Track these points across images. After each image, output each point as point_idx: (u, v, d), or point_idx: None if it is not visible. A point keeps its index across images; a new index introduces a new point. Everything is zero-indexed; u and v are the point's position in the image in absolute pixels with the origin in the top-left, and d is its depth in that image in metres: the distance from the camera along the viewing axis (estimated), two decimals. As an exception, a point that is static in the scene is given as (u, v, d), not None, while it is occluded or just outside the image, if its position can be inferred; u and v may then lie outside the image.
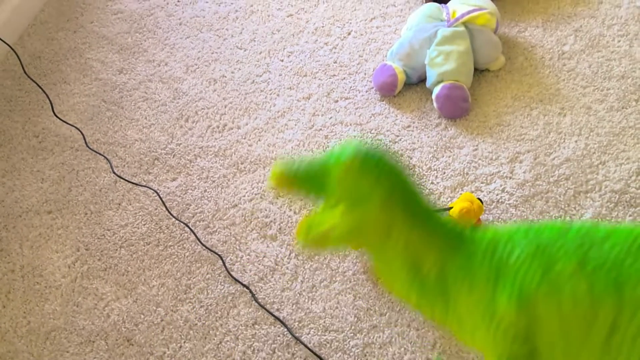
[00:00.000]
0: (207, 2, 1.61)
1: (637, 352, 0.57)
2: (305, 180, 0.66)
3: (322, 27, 1.51)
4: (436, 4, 1.39)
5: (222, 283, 1.09)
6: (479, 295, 0.63)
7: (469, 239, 0.67)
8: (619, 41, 1.38)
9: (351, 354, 0.99)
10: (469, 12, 1.31)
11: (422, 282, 0.67)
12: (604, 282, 0.58)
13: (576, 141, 1.21)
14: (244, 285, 1.07)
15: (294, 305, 1.04)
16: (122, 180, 1.24)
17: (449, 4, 1.38)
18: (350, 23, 1.50)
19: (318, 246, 0.68)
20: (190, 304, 1.07)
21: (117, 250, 1.15)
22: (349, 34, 1.48)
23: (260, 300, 1.05)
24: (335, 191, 0.65)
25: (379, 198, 0.63)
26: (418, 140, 1.25)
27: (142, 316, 1.06)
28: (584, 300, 0.58)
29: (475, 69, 1.32)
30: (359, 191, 0.63)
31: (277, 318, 1.03)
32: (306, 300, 1.05)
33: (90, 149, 1.30)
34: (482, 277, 0.63)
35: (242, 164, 1.25)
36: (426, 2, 1.48)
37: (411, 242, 0.65)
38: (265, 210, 1.17)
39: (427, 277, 0.66)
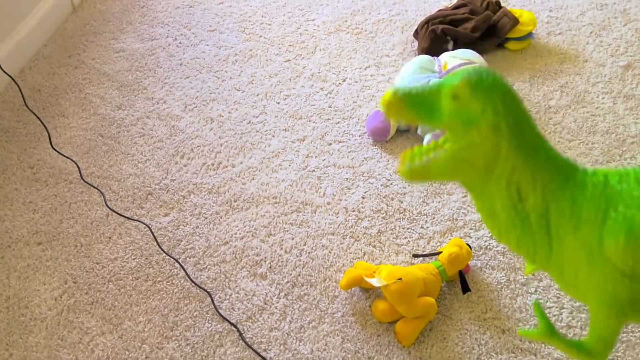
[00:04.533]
0: (207, 45, 1.66)
1: None
2: (416, 104, 0.63)
3: (319, 73, 1.56)
4: (428, 56, 1.45)
5: (210, 321, 1.08)
6: (585, 233, 0.59)
7: (579, 172, 0.63)
8: (603, 98, 1.44)
9: (337, 397, 0.98)
10: (459, 65, 1.37)
11: (524, 221, 0.63)
12: None
13: (562, 192, 1.24)
14: (232, 324, 1.07)
15: (282, 346, 1.04)
16: (114, 213, 1.25)
17: (440, 56, 1.44)
18: (346, 70, 1.56)
19: (420, 176, 0.65)
20: (176, 342, 1.05)
21: (105, 284, 1.14)
22: (344, 80, 1.53)
23: (247, 340, 1.05)
24: (445, 114, 0.61)
25: (489, 119, 0.59)
26: (409, 185, 1.27)
27: (127, 352, 1.04)
28: None
29: (465, 119, 1.37)
30: (469, 112, 0.60)
31: (264, 358, 1.02)
32: (294, 340, 1.04)
33: (84, 181, 1.31)
34: (590, 212, 0.59)
35: (235, 201, 1.27)
36: (419, 54, 1.55)
37: (517, 173, 0.61)
38: (256, 248, 1.18)
39: (531, 216, 0.62)
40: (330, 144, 1.37)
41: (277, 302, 1.10)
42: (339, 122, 1.42)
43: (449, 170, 0.64)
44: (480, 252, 1.15)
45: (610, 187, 0.61)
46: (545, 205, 0.62)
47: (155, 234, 1.20)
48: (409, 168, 0.66)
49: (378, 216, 1.22)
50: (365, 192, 1.27)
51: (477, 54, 1.43)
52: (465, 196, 1.25)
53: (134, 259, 1.17)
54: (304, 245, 1.18)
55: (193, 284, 1.13)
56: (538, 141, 0.64)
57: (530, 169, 0.61)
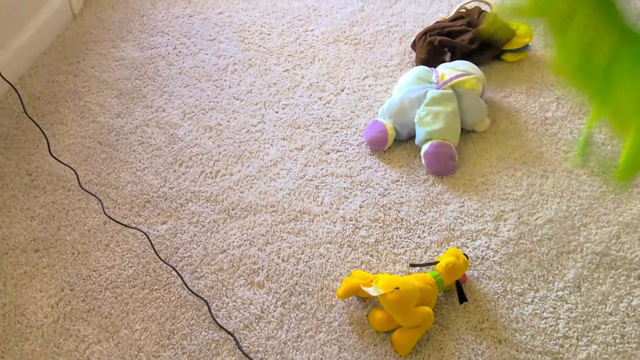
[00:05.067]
0: (207, 54, 1.67)
1: None
2: None
3: (317, 82, 1.57)
4: (426, 67, 1.46)
5: (207, 329, 1.08)
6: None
7: None
8: (598, 110, 1.45)
9: (334, 407, 0.97)
10: (457, 77, 1.38)
11: (589, 71, 0.69)
12: None
13: (558, 203, 1.25)
14: (229, 333, 1.07)
15: (279, 355, 1.04)
16: (112, 221, 1.25)
17: (438, 67, 1.45)
18: (344, 80, 1.57)
19: (512, 14, 0.71)
20: (172, 350, 1.05)
21: (102, 291, 1.14)
22: (343, 90, 1.54)
23: (244, 349, 1.05)
24: None
25: None
26: (406, 195, 1.28)
27: (123, 360, 1.04)
28: None
29: (462, 130, 1.38)
30: None
31: (260, 367, 1.02)
32: (291, 350, 1.04)
33: (82, 189, 1.31)
34: None
35: (232, 210, 1.27)
36: (417, 65, 1.56)
37: (591, 27, 0.66)
38: (254, 257, 1.18)
39: (597, 65, 0.68)
40: (329, 153, 1.38)
41: (274, 311, 1.10)
42: (337, 132, 1.43)
43: (535, 11, 0.70)
44: (477, 262, 1.15)
45: None
46: (611, 59, 0.68)
47: (152, 242, 1.20)
48: (501, 9, 0.73)
49: (375, 225, 1.22)
50: (362, 202, 1.27)
51: (475, 66, 1.44)
52: (462, 206, 1.25)
53: (131, 266, 1.17)
54: (302, 254, 1.18)
55: (190, 292, 1.12)
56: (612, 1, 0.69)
57: (605, 23, 0.66)
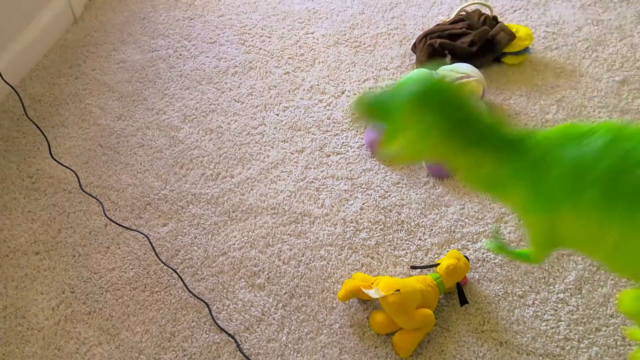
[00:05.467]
0: (207, 57, 1.68)
1: None
2: (378, 111, 0.80)
3: (318, 85, 1.57)
4: (426, 70, 1.46)
5: (208, 332, 1.08)
6: (519, 192, 0.77)
7: (519, 143, 0.78)
8: (599, 112, 1.45)
9: (335, 409, 0.97)
10: (457, 79, 1.38)
11: (482, 180, 0.81)
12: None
13: (559, 205, 1.25)
14: (230, 335, 1.07)
15: (279, 357, 1.04)
16: (112, 223, 1.25)
17: (438, 70, 1.45)
18: (345, 83, 1.57)
19: (397, 161, 0.84)
20: (173, 352, 1.05)
21: (102, 294, 1.14)
22: (343, 92, 1.54)
23: (245, 351, 1.05)
24: (401, 122, 0.78)
25: (437, 134, 0.76)
26: (407, 197, 1.28)
27: (124, 363, 1.04)
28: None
29: (463, 132, 1.38)
30: (421, 124, 0.76)
31: (261, 369, 1.02)
32: (291, 352, 1.04)
33: (83, 191, 1.31)
34: (525, 177, 0.77)
35: (233, 212, 1.27)
36: (417, 67, 1.56)
37: (470, 158, 0.78)
38: (254, 259, 1.18)
39: (486, 178, 0.80)
40: (329, 156, 1.38)
41: (275, 313, 1.10)
42: (337, 134, 1.43)
43: (414, 158, 0.85)
44: (478, 264, 1.15)
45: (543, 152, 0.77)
46: (495, 172, 0.79)
47: (153, 244, 1.20)
48: (384, 155, 0.86)
49: (376, 228, 1.22)
50: (363, 204, 1.27)
51: (475, 68, 1.45)
52: (462, 208, 1.25)
53: (132, 269, 1.17)
54: (302, 256, 1.18)
55: (191, 295, 1.12)
56: (482, 130, 0.79)
57: (480, 154, 0.78)
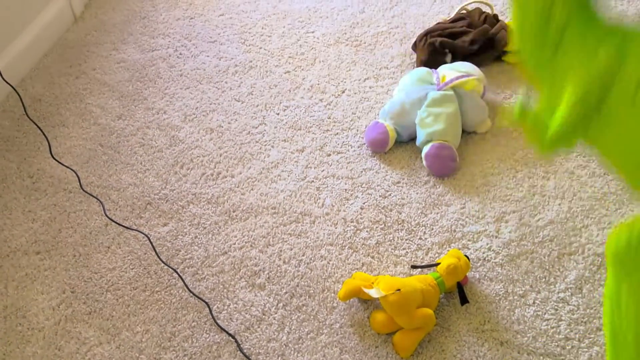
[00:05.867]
0: (208, 56, 1.68)
1: None
2: None
3: (318, 84, 1.57)
4: (427, 69, 1.46)
5: (208, 331, 1.08)
6: (589, 45, 0.71)
7: (600, 14, 0.73)
8: (600, 111, 1.45)
9: (335, 409, 0.97)
10: (457, 78, 1.38)
11: (546, 28, 0.74)
12: None
13: (560, 204, 1.25)
14: (230, 335, 1.07)
15: (280, 357, 1.04)
16: (113, 223, 1.25)
17: (439, 69, 1.45)
18: (345, 82, 1.57)
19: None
20: (174, 352, 1.05)
21: (103, 294, 1.14)
22: (343, 92, 1.54)
23: (245, 351, 1.05)
24: None
25: None
26: (407, 196, 1.28)
27: (124, 363, 1.04)
28: None
29: (463, 131, 1.38)
30: None
31: (261, 369, 1.02)
32: (292, 352, 1.04)
33: (84, 191, 1.31)
34: (599, 34, 0.71)
35: (234, 212, 1.27)
36: (417, 66, 1.56)
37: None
38: (255, 258, 1.18)
39: (552, 26, 0.73)
40: (329, 155, 1.38)
41: (276, 313, 1.10)
42: (338, 133, 1.43)
43: None
44: (479, 264, 1.15)
45: (621, 28, 0.72)
46: (566, 21, 0.72)
47: (154, 244, 1.20)
48: None
49: (377, 227, 1.22)
50: (364, 203, 1.27)
51: (475, 67, 1.44)
52: (463, 207, 1.25)
53: (133, 268, 1.17)
54: (303, 255, 1.18)
55: (191, 294, 1.12)
56: None
57: None
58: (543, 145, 0.80)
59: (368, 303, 1.10)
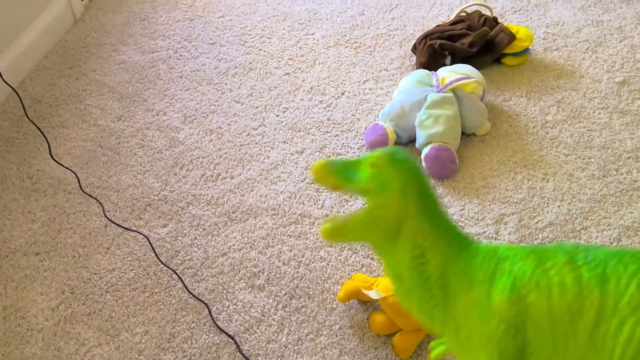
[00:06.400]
0: (208, 58, 1.68)
1: (620, 344, 0.61)
2: (340, 170, 0.75)
3: (318, 86, 1.57)
4: (426, 71, 1.47)
5: (207, 333, 1.08)
6: (477, 293, 0.69)
7: (472, 244, 0.74)
8: (599, 113, 1.45)
9: (335, 410, 0.97)
10: (457, 80, 1.38)
11: (425, 282, 0.73)
12: (590, 275, 0.64)
13: (559, 206, 1.25)
14: (229, 336, 1.07)
15: (279, 358, 1.04)
16: (112, 224, 1.25)
17: (438, 71, 1.45)
18: (345, 84, 1.57)
19: (338, 236, 0.76)
20: (173, 353, 1.05)
21: (102, 295, 1.14)
22: (343, 94, 1.54)
23: (245, 352, 1.04)
24: (364, 179, 0.74)
25: (399, 184, 0.72)
26: (407, 198, 1.28)
27: (124, 364, 1.04)
28: (571, 289, 0.64)
29: (463, 133, 1.38)
30: (383, 177, 0.73)
31: (261, 370, 1.02)
32: (291, 353, 1.04)
33: (83, 192, 1.31)
34: (480, 276, 0.70)
35: (233, 213, 1.27)
36: (417, 68, 1.56)
37: (420, 236, 0.72)
38: (254, 260, 1.18)
39: (431, 277, 0.73)
40: (329, 157, 1.38)
41: (275, 314, 1.10)
42: (337, 135, 1.43)
43: (363, 229, 0.75)
44: (478, 266, 1.15)
45: (499, 252, 0.72)
46: (443, 268, 0.73)
47: (153, 245, 1.20)
48: (330, 227, 0.76)
49: (376, 229, 1.22)
50: (363, 205, 1.27)
51: (475, 69, 1.45)
52: (462, 209, 1.25)
53: (132, 269, 1.17)
54: (302, 257, 1.18)
55: (191, 296, 1.12)
56: (439, 212, 0.75)
57: (431, 233, 0.73)
58: None
59: (367, 304, 1.10)
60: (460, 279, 0.71)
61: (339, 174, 0.75)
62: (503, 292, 0.67)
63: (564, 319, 0.64)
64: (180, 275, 1.15)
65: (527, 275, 0.67)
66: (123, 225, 1.24)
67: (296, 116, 1.49)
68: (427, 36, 1.59)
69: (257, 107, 1.52)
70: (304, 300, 1.11)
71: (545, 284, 0.65)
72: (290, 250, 1.19)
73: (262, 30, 1.77)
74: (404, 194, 0.72)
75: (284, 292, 1.13)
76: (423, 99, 1.37)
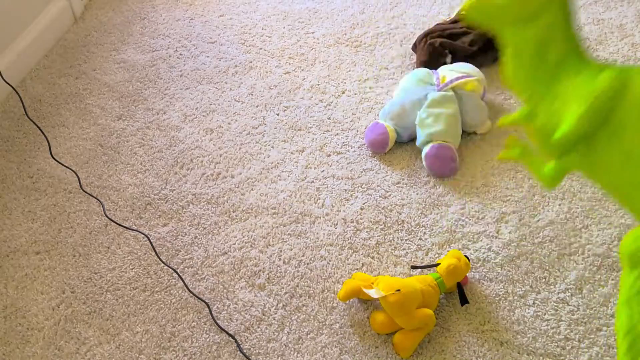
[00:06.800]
0: (208, 57, 1.68)
1: None
2: None
3: (318, 85, 1.57)
4: (427, 69, 1.46)
5: (208, 332, 1.08)
6: (585, 75, 0.74)
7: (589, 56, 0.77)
8: (599, 112, 1.45)
9: (335, 409, 0.97)
10: (457, 79, 1.38)
11: (543, 62, 0.77)
12: None
13: (560, 205, 1.25)
14: (230, 335, 1.07)
15: (280, 357, 1.04)
16: (113, 223, 1.25)
17: (438, 69, 1.45)
18: (345, 82, 1.57)
19: (482, 11, 0.78)
20: (173, 352, 1.05)
21: (103, 294, 1.14)
22: (343, 92, 1.54)
23: (245, 351, 1.04)
24: None
25: None
26: (407, 197, 1.28)
27: (124, 363, 1.04)
28: None
29: (463, 132, 1.38)
30: None
31: (261, 369, 1.02)
32: (292, 352, 1.04)
33: (84, 191, 1.31)
34: (593, 66, 0.75)
35: (233, 212, 1.27)
36: (417, 67, 1.56)
37: (555, 27, 0.75)
38: (255, 259, 1.18)
39: (550, 60, 0.77)
40: (329, 155, 1.38)
41: (275, 313, 1.09)
42: (338, 134, 1.43)
43: (508, 7, 0.76)
44: (479, 264, 1.15)
45: (611, 66, 0.75)
46: (563, 56, 0.76)
47: (153, 244, 1.20)
48: (473, 1, 0.78)
49: (376, 227, 1.22)
50: (363, 204, 1.27)
51: (475, 68, 1.44)
52: (463, 208, 1.25)
53: (132, 269, 1.17)
54: (303, 256, 1.18)
55: (191, 295, 1.12)
56: (573, 19, 0.77)
57: (564, 29, 0.76)
58: (547, 147, 0.80)
59: (368, 303, 1.10)
60: (574, 67, 0.75)
61: None
62: (612, 70, 0.72)
63: None
64: (181, 274, 1.15)
65: (637, 68, 0.71)
66: (123, 225, 1.24)
67: (296, 115, 1.49)
68: (427, 35, 1.58)
69: (257, 106, 1.52)
70: (305, 299, 1.11)
71: None
72: (291, 249, 1.19)
73: (262, 29, 1.77)
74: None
75: (284, 291, 1.13)
76: (423, 98, 1.37)
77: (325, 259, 1.17)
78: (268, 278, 1.15)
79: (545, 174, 0.81)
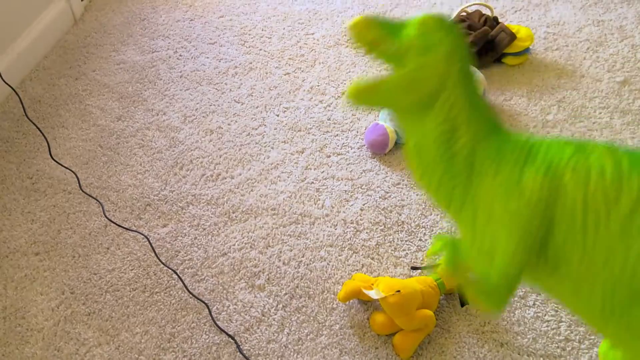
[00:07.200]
0: (207, 58, 1.68)
1: None
2: (383, 25, 0.70)
3: (318, 86, 1.57)
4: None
5: (207, 333, 1.07)
6: (506, 175, 0.65)
7: (506, 130, 0.70)
8: (600, 113, 1.45)
9: (335, 410, 0.97)
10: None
11: (450, 159, 0.68)
12: (631, 165, 0.61)
13: (560, 205, 1.25)
14: (229, 336, 1.06)
15: (279, 358, 1.03)
16: (112, 224, 1.24)
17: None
18: (345, 83, 1.57)
19: (366, 98, 0.71)
20: (173, 353, 1.05)
21: (102, 295, 1.13)
22: (343, 93, 1.54)
23: (245, 352, 1.04)
24: (409, 35, 0.69)
25: (447, 47, 0.68)
26: (407, 198, 1.28)
27: (124, 364, 1.04)
28: (610, 175, 0.61)
29: (463, 132, 1.38)
30: (431, 38, 0.68)
31: (261, 370, 1.01)
32: (292, 353, 1.04)
33: (83, 192, 1.31)
34: (512, 159, 0.66)
35: (233, 213, 1.27)
36: (417, 67, 1.56)
37: (456, 109, 0.67)
38: (254, 260, 1.18)
39: (458, 155, 0.68)
40: (329, 156, 1.38)
41: (275, 314, 1.09)
42: (337, 135, 1.43)
43: (398, 91, 0.70)
44: (479, 265, 1.15)
45: (533, 140, 0.68)
46: (472, 146, 0.68)
47: (153, 245, 1.20)
48: (357, 86, 0.71)
49: (376, 228, 1.22)
50: (363, 204, 1.27)
51: (475, 69, 1.44)
52: (463, 209, 1.25)
53: (132, 269, 1.17)
54: (302, 257, 1.18)
55: (191, 295, 1.12)
56: (476, 91, 0.70)
57: (467, 108, 0.68)
58: (490, 303, 0.70)
59: (368, 304, 1.10)
60: (489, 161, 0.67)
61: (382, 28, 0.70)
62: (537, 171, 0.63)
63: (598, 203, 0.60)
64: (180, 275, 1.15)
65: (565, 158, 0.63)
66: (123, 225, 1.24)
67: (296, 116, 1.48)
68: (427, 36, 1.58)
69: (257, 107, 1.52)
70: (304, 300, 1.11)
71: (584, 166, 0.62)
72: (291, 250, 1.19)
73: (262, 30, 1.77)
74: (450, 59, 0.67)
75: (284, 292, 1.12)
76: (423, 99, 1.36)
77: (325, 260, 1.17)
78: (268, 279, 1.15)
79: (490, 293, 0.69)
